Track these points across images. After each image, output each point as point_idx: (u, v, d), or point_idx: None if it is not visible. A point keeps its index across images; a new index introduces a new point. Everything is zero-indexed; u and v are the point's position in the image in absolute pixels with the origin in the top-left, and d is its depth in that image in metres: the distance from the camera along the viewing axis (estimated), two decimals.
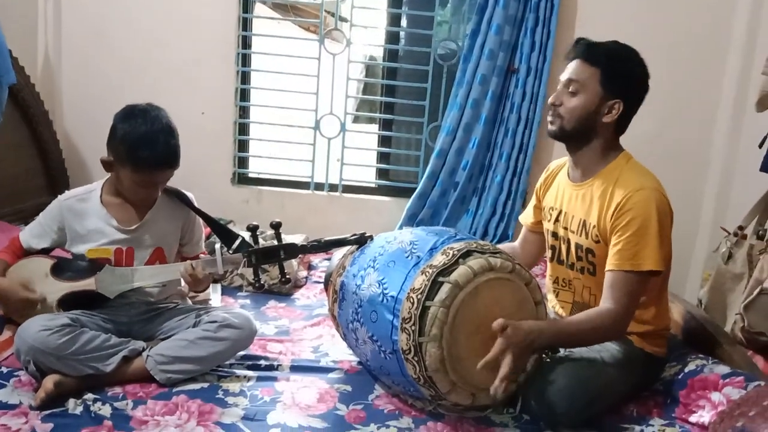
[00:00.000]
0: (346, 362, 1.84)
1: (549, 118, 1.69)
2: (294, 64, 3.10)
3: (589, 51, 1.64)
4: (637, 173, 1.64)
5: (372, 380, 1.75)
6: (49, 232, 1.75)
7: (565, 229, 1.75)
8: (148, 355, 1.64)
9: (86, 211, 1.74)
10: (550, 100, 1.69)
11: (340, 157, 3.17)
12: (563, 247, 1.77)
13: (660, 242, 1.56)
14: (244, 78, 3.14)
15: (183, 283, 1.76)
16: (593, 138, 1.66)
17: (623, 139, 1.72)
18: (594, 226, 1.65)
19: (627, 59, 1.64)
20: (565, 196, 1.76)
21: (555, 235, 1.79)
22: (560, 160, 1.88)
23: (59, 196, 1.79)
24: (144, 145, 1.63)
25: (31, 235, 1.76)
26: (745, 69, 2.80)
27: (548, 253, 1.84)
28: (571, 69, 1.66)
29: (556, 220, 1.78)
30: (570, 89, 1.64)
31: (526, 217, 1.97)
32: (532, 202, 1.94)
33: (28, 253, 1.76)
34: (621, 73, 1.62)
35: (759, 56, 2.75)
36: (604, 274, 1.60)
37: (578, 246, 1.71)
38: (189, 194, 1.86)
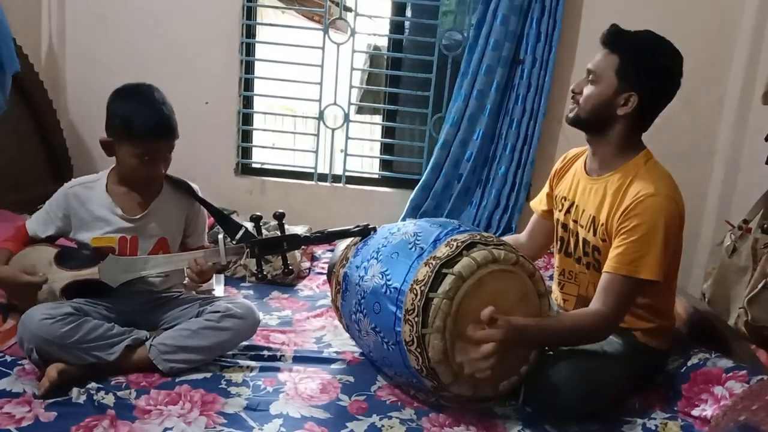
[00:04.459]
0: (349, 353, 1.84)
1: (569, 105, 1.69)
2: (298, 53, 3.09)
3: (613, 39, 1.60)
4: (654, 176, 1.58)
5: (374, 371, 1.75)
6: (55, 220, 1.74)
7: (575, 222, 1.72)
8: (151, 345, 1.65)
9: (91, 199, 1.74)
10: (571, 86, 1.68)
11: (343, 148, 3.17)
12: (572, 240, 1.75)
13: (662, 253, 1.52)
14: (248, 67, 3.13)
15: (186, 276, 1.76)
16: (609, 130, 1.63)
17: None
18: (602, 225, 1.62)
19: (650, 51, 1.58)
20: (579, 187, 1.73)
21: (564, 226, 1.77)
22: (579, 148, 1.84)
23: (65, 183, 1.79)
24: (138, 114, 1.63)
25: (37, 222, 1.76)
26: (752, 61, 2.78)
27: (556, 244, 1.82)
28: (595, 57, 1.63)
29: (567, 211, 1.75)
30: (589, 78, 1.62)
31: (538, 204, 1.94)
32: (545, 188, 1.92)
33: (34, 240, 1.75)
34: (638, 66, 1.57)
35: (766, 48, 2.73)
36: None
37: (585, 241, 1.69)
38: (194, 185, 1.86)
